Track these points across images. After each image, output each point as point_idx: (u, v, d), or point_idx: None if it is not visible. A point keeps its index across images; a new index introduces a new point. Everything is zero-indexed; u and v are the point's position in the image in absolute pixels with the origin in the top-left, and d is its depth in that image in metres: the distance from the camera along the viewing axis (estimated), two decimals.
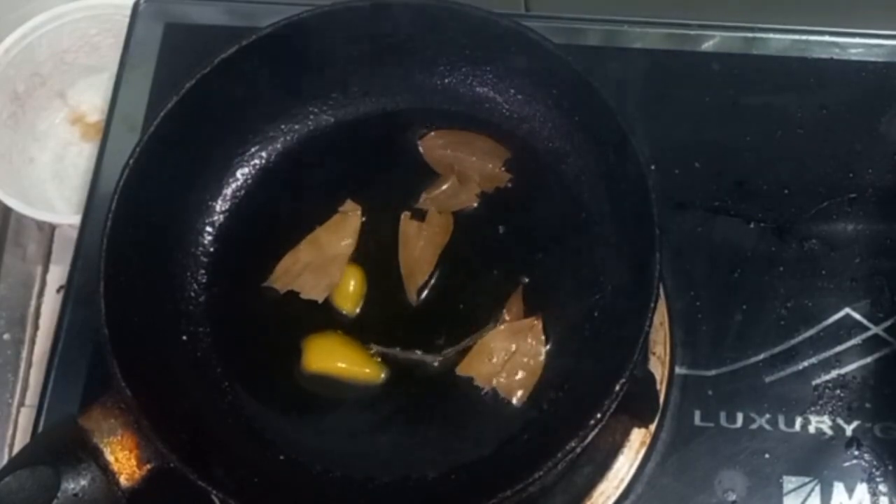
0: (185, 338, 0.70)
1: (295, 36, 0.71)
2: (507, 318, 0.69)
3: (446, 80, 0.76)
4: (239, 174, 0.75)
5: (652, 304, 0.62)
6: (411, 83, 0.76)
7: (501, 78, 0.74)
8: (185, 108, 0.69)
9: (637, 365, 0.62)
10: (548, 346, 0.68)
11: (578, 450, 0.61)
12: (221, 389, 0.69)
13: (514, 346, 0.68)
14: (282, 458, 0.67)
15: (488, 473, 0.65)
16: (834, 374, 0.75)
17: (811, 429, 0.73)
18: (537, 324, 0.69)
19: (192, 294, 0.71)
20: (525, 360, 0.68)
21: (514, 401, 0.67)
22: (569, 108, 0.72)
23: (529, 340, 0.68)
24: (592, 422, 0.60)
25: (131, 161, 0.67)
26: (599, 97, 0.68)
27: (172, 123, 0.69)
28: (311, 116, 0.76)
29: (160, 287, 0.70)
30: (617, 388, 0.61)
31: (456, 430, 0.68)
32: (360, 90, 0.76)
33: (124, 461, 0.62)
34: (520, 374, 0.68)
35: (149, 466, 0.62)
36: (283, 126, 0.76)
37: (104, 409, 0.63)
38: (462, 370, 0.68)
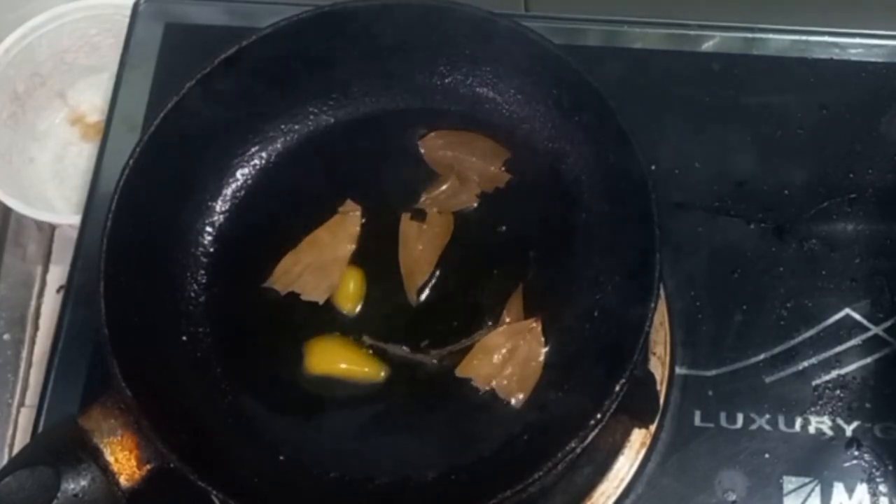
0: (185, 338, 0.70)
1: (295, 36, 0.71)
2: (506, 318, 0.69)
3: (446, 80, 0.75)
4: (239, 174, 0.75)
5: (652, 305, 0.62)
6: (411, 83, 0.76)
7: (501, 78, 0.74)
8: (185, 109, 0.69)
9: (637, 365, 0.62)
10: (547, 347, 0.68)
11: (578, 450, 0.61)
12: (221, 390, 0.69)
13: (513, 348, 0.68)
14: (282, 458, 0.67)
15: (488, 474, 0.65)
16: (834, 374, 0.75)
17: (811, 429, 0.73)
18: (536, 326, 0.69)
19: (192, 294, 0.71)
20: (524, 361, 0.68)
21: (514, 402, 0.67)
22: (569, 108, 0.72)
23: (528, 342, 0.68)
24: (592, 422, 0.60)
25: (131, 161, 0.67)
26: (599, 97, 0.68)
27: (172, 123, 0.69)
28: (311, 116, 0.76)
29: (160, 287, 0.70)
30: (617, 388, 0.61)
31: (456, 430, 0.68)
32: (360, 90, 0.76)
33: (124, 461, 0.62)
34: (519, 376, 0.68)
35: (149, 466, 0.62)
36: (283, 126, 0.76)
37: (104, 409, 0.63)
38: (461, 371, 0.68)
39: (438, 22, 0.72)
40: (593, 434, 0.61)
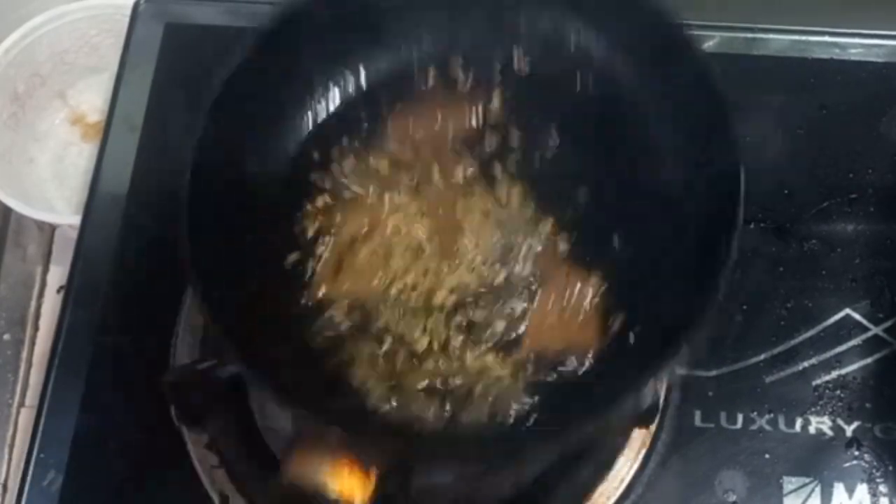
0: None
1: None
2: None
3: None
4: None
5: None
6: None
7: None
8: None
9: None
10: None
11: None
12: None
13: (566, 306, 0.67)
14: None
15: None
16: (834, 374, 0.75)
17: (811, 429, 0.73)
18: (577, 278, 0.67)
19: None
20: (582, 312, 0.66)
21: (590, 355, 0.64)
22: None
23: (576, 290, 0.66)
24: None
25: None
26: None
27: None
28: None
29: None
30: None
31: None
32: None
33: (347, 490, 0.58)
34: (583, 329, 0.66)
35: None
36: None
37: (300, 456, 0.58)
38: (532, 344, 0.66)
39: None
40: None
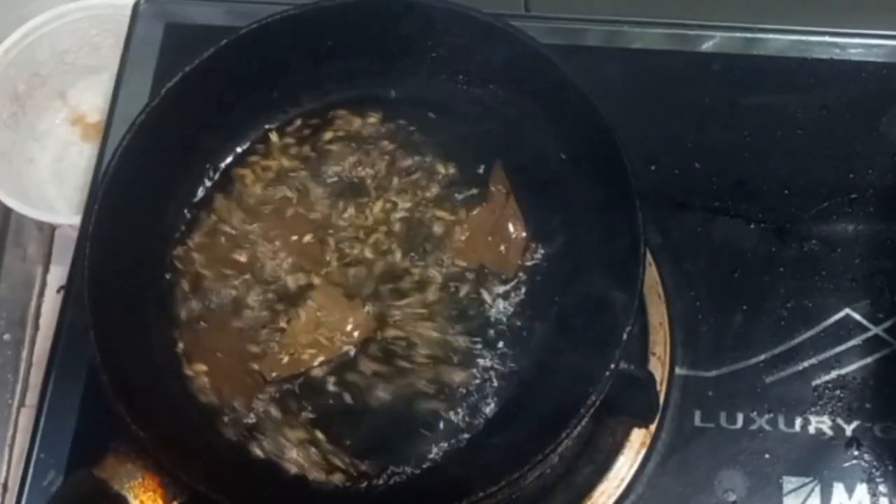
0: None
1: (269, 37, 0.72)
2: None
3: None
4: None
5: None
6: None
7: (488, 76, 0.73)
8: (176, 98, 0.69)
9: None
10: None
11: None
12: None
13: (497, 224, 0.69)
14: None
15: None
16: (834, 374, 0.75)
17: (811, 429, 0.73)
18: (510, 198, 0.70)
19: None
20: (510, 235, 0.69)
21: (505, 276, 0.68)
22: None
23: (508, 216, 0.69)
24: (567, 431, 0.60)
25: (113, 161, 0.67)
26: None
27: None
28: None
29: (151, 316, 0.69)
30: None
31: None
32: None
33: (150, 502, 0.61)
34: (507, 248, 0.69)
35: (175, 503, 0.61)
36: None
37: (118, 456, 0.61)
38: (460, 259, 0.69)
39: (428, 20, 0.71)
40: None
